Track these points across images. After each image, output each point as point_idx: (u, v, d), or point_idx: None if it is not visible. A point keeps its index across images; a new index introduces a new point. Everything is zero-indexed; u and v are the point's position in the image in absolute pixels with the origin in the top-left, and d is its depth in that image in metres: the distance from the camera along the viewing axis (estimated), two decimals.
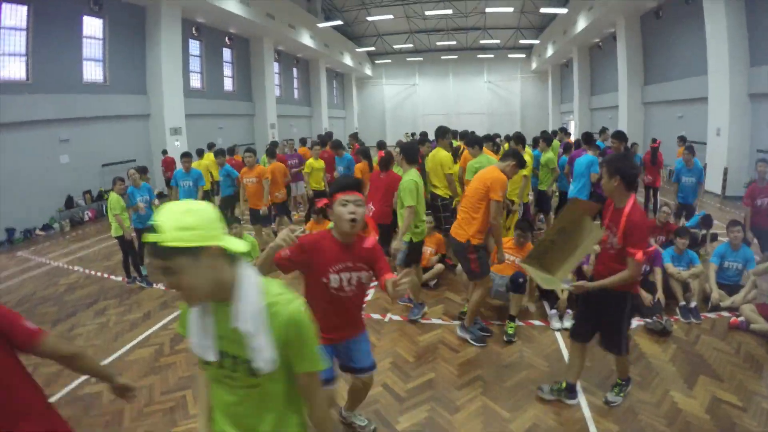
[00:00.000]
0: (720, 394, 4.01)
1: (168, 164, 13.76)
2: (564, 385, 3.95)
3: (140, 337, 5.44)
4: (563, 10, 22.99)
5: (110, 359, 4.95)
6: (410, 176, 5.17)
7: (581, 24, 21.73)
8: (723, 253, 5.85)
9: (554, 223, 3.67)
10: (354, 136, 13.28)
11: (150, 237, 1.36)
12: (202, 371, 1.80)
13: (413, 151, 5.63)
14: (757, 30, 12.27)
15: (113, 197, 7.03)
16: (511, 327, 5.12)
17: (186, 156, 8.66)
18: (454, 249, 4.91)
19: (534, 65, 34.61)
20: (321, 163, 9.73)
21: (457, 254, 4.94)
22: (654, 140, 10.26)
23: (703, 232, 7.54)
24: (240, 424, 1.68)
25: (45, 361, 4.76)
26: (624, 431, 3.60)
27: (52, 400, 4.18)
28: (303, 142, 15.05)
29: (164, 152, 14.67)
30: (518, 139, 8.13)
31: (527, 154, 7.94)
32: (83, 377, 4.54)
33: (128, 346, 5.23)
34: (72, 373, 4.55)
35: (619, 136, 8.14)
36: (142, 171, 8.93)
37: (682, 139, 11.56)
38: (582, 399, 3.98)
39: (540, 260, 3.65)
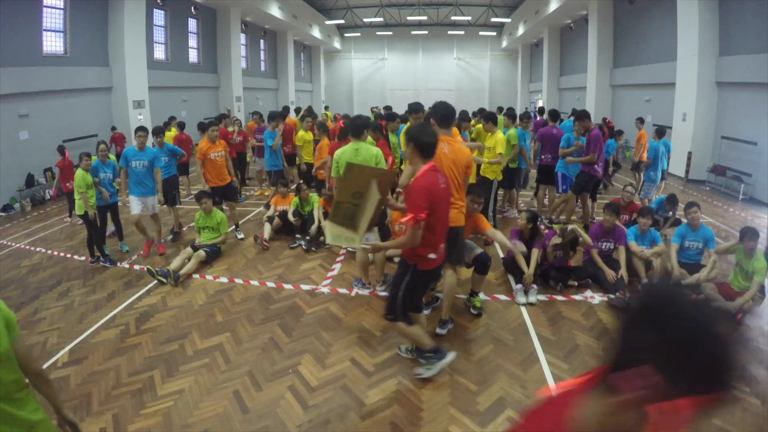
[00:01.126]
0: None
1: (118, 141, 13.35)
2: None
3: (105, 318, 5.38)
4: None
5: (75, 342, 4.88)
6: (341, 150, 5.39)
7: (554, 5, 21.71)
8: (683, 233, 6.05)
9: (345, 187, 3.74)
10: (309, 110, 12.97)
11: None
12: None
13: (356, 126, 5.55)
14: (728, 20, 12.49)
15: (79, 173, 6.81)
16: (477, 300, 5.23)
17: (141, 130, 7.36)
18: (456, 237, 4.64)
19: (504, 43, 34.58)
20: (310, 136, 9.69)
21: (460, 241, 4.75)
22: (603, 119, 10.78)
23: (669, 214, 7.70)
24: None
25: None
26: None
27: None
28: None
29: (113, 129, 14.17)
30: (489, 116, 7.79)
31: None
32: (50, 361, 4.54)
33: (93, 328, 5.16)
34: (39, 357, 4.49)
35: (552, 114, 9.28)
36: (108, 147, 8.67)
37: (640, 121, 12.07)
38: (547, 372, 4.14)
39: (352, 221, 3.75)
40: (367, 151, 5.36)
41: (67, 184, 9.40)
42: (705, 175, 13.38)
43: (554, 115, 9.37)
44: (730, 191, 12.25)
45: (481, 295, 5.55)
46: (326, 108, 21.70)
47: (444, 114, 4.52)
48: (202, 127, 9.05)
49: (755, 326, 5.09)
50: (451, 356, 4.03)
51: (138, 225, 7.18)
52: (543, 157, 8.91)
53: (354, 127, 5.48)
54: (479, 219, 5.23)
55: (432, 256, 3.63)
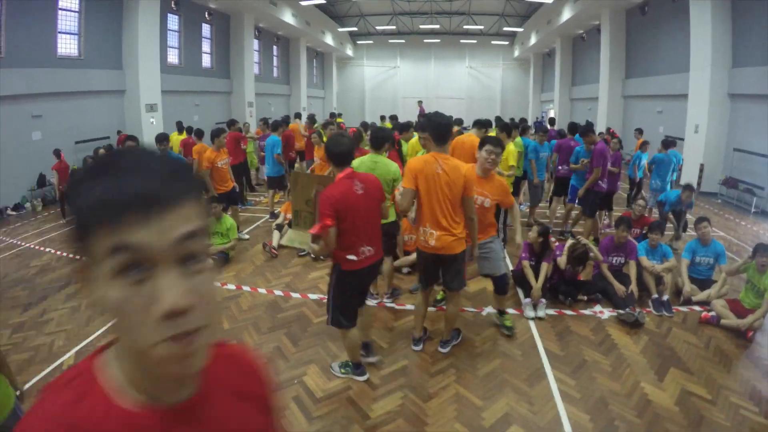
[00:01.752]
0: (690, 386, 4.14)
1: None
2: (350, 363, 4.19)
3: (108, 324, 5.32)
4: (549, 0, 22.92)
5: (82, 345, 4.88)
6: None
7: (566, 15, 21.70)
8: (694, 249, 6.06)
9: (297, 196, 3.94)
10: (311, 119, 13.04)
11: None
12: None
13: (376, 138, 5.28)
14: (741, 32, 12.41)
15: None
16: (508, 320, 5.11)
17: (159, 143, 7.37)
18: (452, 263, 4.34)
19: (516, 53, 34.57)
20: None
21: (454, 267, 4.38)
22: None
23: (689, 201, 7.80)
24: None
25: (16, 347, 4.72)
26: (594, 420, 3.69)
27: (24, 388, 4.10)
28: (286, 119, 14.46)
29: (119, 132, 14.23)
30: (504, 127, 7.69)
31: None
32: (55, 364, 4.53)
33: (100, 331, 5.15)
34: (44, 359, 4.51)
35: (570, 127, 9.65)
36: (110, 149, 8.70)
37: (639, 131, 12.32)
38: (554, 388, 4.09)
39: (310, 227, 4.14)
40: (385, 166, 5.04)
41: (61, 187, 9.98)
42: (717, 188, 13.26)
43: (572, 128, 9.50)
44: (743, 204, 12.12)
45: (489, 309, 5.51)
46: (339, 115, 21.71)
47: (439, 129, 4.17)
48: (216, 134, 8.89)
49: (766, 344, 5.01)
50: (363, 378, 4.15)
51: None
52: (560, 168, 8.93)
53: (375, 139, 5.20)
54: (503, 188, 4.74)
55: (351, 257, 3.71)
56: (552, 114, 28.66)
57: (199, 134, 9.65)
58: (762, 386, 4.21)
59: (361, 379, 4.14)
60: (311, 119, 13.21)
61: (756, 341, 5.02)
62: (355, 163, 4.99)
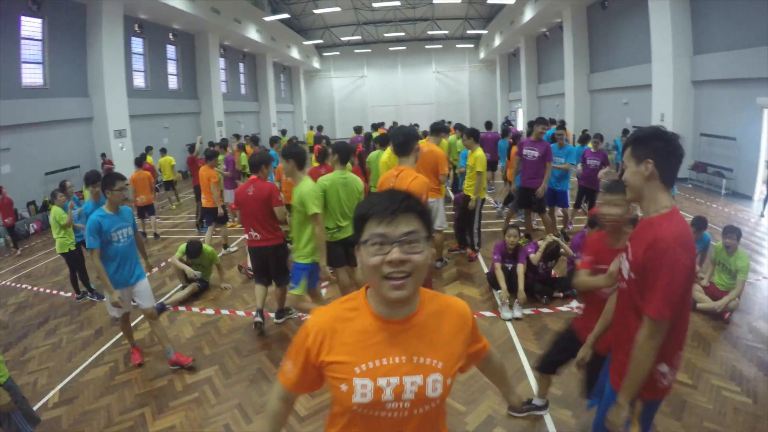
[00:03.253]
0: None
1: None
2: None
3: (94, 356, 5.23)
4: (510, 1, 23.24)
5: (65, 381, 4.76)
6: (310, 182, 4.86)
7: (528, 14, 22.09)
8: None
9: None
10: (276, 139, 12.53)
11: None
12: None
13: (346, 153, 5.33)
14: (700, 19, 12.79)
15: (57, 211, 6.71)
16: None
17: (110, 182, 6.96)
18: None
19: (482, 55, 35.00)
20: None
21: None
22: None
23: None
24: None
25: None
26: (577, 416, 3.71)
27: None
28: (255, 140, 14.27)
29: (103, 155, 14.28)
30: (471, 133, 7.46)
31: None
32: (41, 402, 4.42)
33: (82, 366, 5.03)
34: (30, 398, 4.39)
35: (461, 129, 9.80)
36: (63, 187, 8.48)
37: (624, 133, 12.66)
38: (535, 387, 4.04)
39: None
40: (353, 182, 5.14)
41: (6, 220, 10.51)
42: (687, 173, 13.55)
43: (488, 124, 10.03)
44: (713, 187, 12.42)
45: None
46: (311, 128, 21.71)
47: (395, 141, 4.69)
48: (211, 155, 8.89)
49: (743, 323, 5.10)
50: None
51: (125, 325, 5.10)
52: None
53: (346, 154, 5.26)
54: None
55: (246, 236, 5.36)
56: (520, 113, 29.13)
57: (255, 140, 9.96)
58: (742, 365, 4.28)
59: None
60: (254, 139, 13.34)
61: (733, 321, 5.10)
62: (326, 181, 4.99)
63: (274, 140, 10.42)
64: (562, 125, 8.23)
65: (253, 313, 5.47)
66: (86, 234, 4.35)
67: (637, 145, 2.06)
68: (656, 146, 2.01)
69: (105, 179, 4.52)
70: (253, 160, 5.36)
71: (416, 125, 10.29)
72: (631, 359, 2.04)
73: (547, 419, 3.68)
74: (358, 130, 13.47)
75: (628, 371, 2.06)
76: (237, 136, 13.70)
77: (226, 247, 8.72)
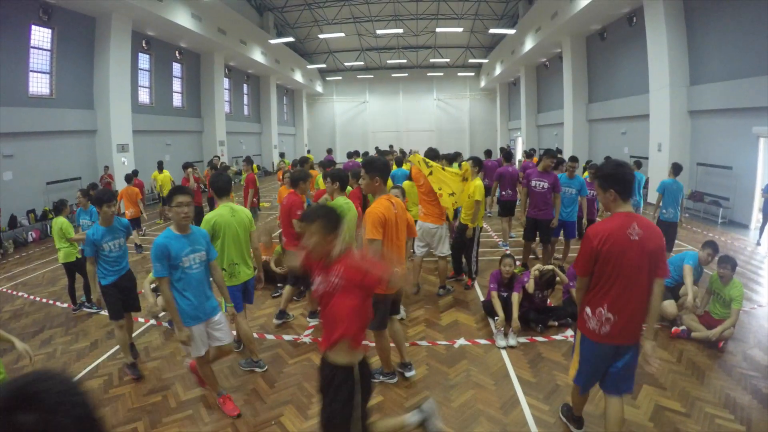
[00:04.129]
0: (663, 401, 4.17)
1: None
2: None
3: (88, 368, 5.17)
4: (511, 31, 23.75)
5: None
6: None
7: (529, 44, 22.51)
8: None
9: None
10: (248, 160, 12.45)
11: None
12: None
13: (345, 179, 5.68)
14: (696, 50, 13.08)
15: (63, 222, 6.74)
16: None
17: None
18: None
19: (483, 83, 35.48)
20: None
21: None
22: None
23: None
24: None
25: None
26: None
27: None
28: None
29: (106, 168, 14.28)
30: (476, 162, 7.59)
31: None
32: None
33: (76, 378, 4.90)
34: None
35: (506, 155, 10.33)
36: (92, 188, 8.66)
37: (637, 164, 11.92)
38: (528, 414, 4.07)
39: None
40: (351, 208, 5.37)
41: None
42: (684, 202, 13.61)
43: (507, 155, 10.43)
44: (710, 216, 12.51)
45: (462, 341, 5.54)
46: (282, 155, 21.99)
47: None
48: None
49: (738, 352, 5.10)
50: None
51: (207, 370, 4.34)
52: (504, 193, 9.65)
53: (343, 182, 5.57)
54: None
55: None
56: (519, 142, 29.39)
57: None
58: (736, 394, 4.26)
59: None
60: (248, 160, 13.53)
61: (728, 350, 5.10)
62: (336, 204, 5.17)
63: (303, 161, 10.53)
64: (574, 159, 8.28)
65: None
66: (153, 260, 3.74)
67: (601, 179, 3.22)
68: (614, 179, 3.15)
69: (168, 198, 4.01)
70: (293, 177, 6.10)
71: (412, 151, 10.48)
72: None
73: None
74: (350, 155, 13.66)
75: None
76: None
77: None
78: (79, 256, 6.79)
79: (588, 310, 3.22)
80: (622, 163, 3.23)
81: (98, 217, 5.01)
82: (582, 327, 3.30)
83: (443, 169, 6.85)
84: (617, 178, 3.11)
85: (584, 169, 10.44)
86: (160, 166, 13.82)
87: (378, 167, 4.26)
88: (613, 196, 3.13)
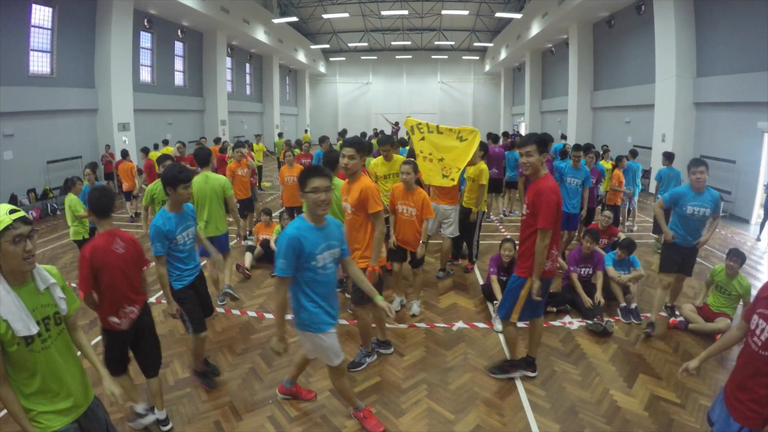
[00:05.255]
0: (659, 392, 4.22)
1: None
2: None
3: (91, 343, 5.18)
4: (518, 15, 23.51)
5: None
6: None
7: (535, 29, 22.26)
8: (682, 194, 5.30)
9: None
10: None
11: None
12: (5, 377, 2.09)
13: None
14: (704, 42, 12.91)
15: (73, 199, 6.70)
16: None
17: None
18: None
19: (487, 67, 35.21)
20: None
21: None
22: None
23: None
24: (69, 374, 2.27)
25: None
26: (565, 429, 3.73)
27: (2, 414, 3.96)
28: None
29: (108, 147, 14.34)
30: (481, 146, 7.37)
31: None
32: None
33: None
34: None
35: (493, 137, 11.05)
36: (93, 167, 8.68)
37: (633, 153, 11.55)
38: (524, 399, 4.12)
39: None
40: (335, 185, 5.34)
41: None
42: None
43: (495, 137, 11.31)
44: None
45: (460, 324, 5.57)
46: (280, 135, 21.84)
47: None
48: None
49: (735, 346, 5.10)
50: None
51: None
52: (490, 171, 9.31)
53: (332, 164, 5.27)
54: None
55: (113, 320, 3.35)
56: (523, 127, 29.27)
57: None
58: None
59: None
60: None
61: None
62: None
63: (322, 139, 10.52)
64: (578, 147, 7.91)
65: (249, 312, 5.48)
66: (279, 255, 3.12)
67: (540, 144, 3.85)
68: (548, 146, 3.95)
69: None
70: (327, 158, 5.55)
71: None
72: (534, 257, 3.88)
73: (535, 430, 3.71)
74: (342, 134, 13.83)
75: (534, 264, 3.89)
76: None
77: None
78: (87, 237, 6.79)
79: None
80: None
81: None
82: (544, 273, 3.99)
83: (438, 131, 6.81)
84: (548, 146, 3.97)
85: (598, 156, 10.28)
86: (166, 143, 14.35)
87: (365, 147, 4.42)
88: (545, 159, 3.94)
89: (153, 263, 3.91)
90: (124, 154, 11.81)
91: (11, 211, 2.06)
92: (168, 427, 3.73)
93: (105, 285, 3.27)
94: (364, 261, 4.29)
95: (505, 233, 9.74)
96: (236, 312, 6.05)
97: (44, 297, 2.20)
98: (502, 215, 11.48)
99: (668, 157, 9.02)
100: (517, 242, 7.03)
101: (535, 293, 3.93)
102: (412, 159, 6.08)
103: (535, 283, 3.91)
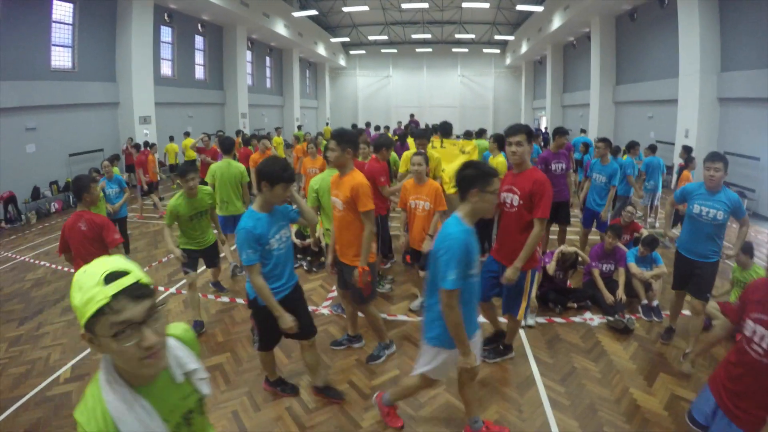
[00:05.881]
0: (679, 391, 4.16)
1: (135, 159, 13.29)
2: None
3: None
4: (539, 8, 23.17)
5: (78, 358, 4.87)
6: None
7: (556, 22, 21.94)
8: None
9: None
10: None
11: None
12: None
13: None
14: (729, 36, 12.59)
15: None
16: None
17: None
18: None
19: (508, 61, 34.80)
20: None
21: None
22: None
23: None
24: None
25: (13, 361, 4.71)
26: (584, 427, 3.70)
27: (21, 402, 4.08)
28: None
29: (131, 140, 14.46)
30: (497, 138, 7.49)
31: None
32: (52, 377, 4.51)
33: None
34: (41, 373, 4.51)
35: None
36: (114, 159, 8.93)
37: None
38: (544, 395, 4.10)
39: None
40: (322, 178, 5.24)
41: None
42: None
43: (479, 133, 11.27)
44: None
45: (480, 318, 5.48)
46: (327, 123, 21.96)
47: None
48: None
49: None
50: None
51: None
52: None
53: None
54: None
55: None
56: (543, 121, 28.96)
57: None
58: None
59: None
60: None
61: None
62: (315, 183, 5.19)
63: (360, 132, 10.90)
64: (604, 140, 7.51)
65: None
66: (454, 264, 2.78)
67: (529, 134, 3.94)
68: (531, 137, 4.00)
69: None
70: (377, 142, 6.19)
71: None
72: (525, 247, 3.88)
73: (553, 427, 3.69)
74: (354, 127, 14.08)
75: (524, 253, 3.88)
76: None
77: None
78: None
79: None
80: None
81: (124, 182, 6.71)
82: (533, 262, 4.08)
83: (442, 145, 7.03)
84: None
85: (623, 152, 10.10)
86: (172, 139, 15.04)
87: (350, 139, 4.07)
88: (531, 149, 4.07)
89: (120, 243, 4.41)
90: (138, 147, 12.35)
91: (110, 277, 1.21)
92: None
93: (73, 253, 4.36)
94: (358, 259, 4.11)
95: None
96: None
97: (184, 387, 1.50)
98: None
99: (651, 148, 9.62)
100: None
101: (509, 278, 3.95)
102: (423, 151, 5.74)
103: (516, 271, 3.93)
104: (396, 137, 10.79)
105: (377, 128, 20.72)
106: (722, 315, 5.19)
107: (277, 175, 3.25)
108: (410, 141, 8.92)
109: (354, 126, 16.12)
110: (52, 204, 12.36)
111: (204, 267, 6.14)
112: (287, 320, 3.40)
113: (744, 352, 2.33)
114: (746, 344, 2.31)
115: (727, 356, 2.51)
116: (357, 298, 4.34)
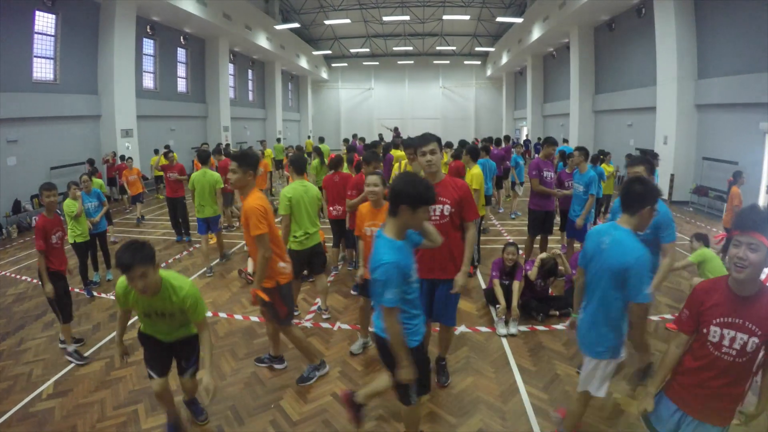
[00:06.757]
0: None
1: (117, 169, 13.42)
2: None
3: (90, 350, 5.23)
4: (519, 20, 23.58)
5: (61, 374, 4.76)
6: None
7: (536, 33, 22.32)
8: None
9: None
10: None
11: None
12: None
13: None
14: (705, 44, 12.91)
15: (68, 203, 6.76)
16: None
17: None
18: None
19: (489, 72, 35.24)
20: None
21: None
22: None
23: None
24: None
25: None
26: None
27: (4, 418, 3.98)
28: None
29: (114, 154, 14.38)
30: (471, 150, 7.66)
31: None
32: (35, 393, 4.41)
33: (77, 363, 4.99)
34: (23, 389, 4.42)
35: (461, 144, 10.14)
36: (92, 173, 8.80)
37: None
38: (527, 403, 4.09)
39: None
40: (304, 190, 5.37)
41: None
42: (688, 197, 13.59)
43: (497, 141, 12.78)
44: (714, 211, 12.43)
45: (463, 327, 5.52)
46: (309, 137, 22.04)
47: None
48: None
49: None
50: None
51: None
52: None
53: (300, 165, 5.56)
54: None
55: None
56: (525, 131, 29.28)
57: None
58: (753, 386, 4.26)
59: None
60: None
61: None
62: (288, 192, 5.22)
63: (373, 144, 11.29)
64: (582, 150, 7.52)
65: (251, 317, 5.46)
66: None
67: (439, 143, 3.76)
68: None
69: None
70: (366, 156, 6.03)
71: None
72: (465, 250, 3.78)
73: None
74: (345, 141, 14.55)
75: (465, 257, 3.76)
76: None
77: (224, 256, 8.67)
78: (78, 240, 6.88)
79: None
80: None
81: (103, 197, 7.34)
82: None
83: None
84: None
85: (599, 160, 10.16)
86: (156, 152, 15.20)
87: (251, 162, 3.93)
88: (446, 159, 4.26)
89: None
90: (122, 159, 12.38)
91: None
92: None
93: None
94: (266, 281, 4.07)
95: (508, 237, 9.73)
96: (239, 317, 6.07)
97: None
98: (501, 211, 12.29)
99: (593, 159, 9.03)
100: (520, 246, 7.11)
101: (463, 284, 3.75)
102: (380, 171, 5.20)
103: (465, 275, 3.77)
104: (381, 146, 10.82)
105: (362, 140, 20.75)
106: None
107: (421, 196, 2.71)
108: (395, 153, 9.09)
109: (346, 141, 16.19)
110: (33, 218, 12.13)
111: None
112: (409, 373, 2.85)
113: (714, 358, 2.28)
114: (714, 350, 2.27)
115: (684, 364, 2.45)
116: (274, 319, 4.25)
